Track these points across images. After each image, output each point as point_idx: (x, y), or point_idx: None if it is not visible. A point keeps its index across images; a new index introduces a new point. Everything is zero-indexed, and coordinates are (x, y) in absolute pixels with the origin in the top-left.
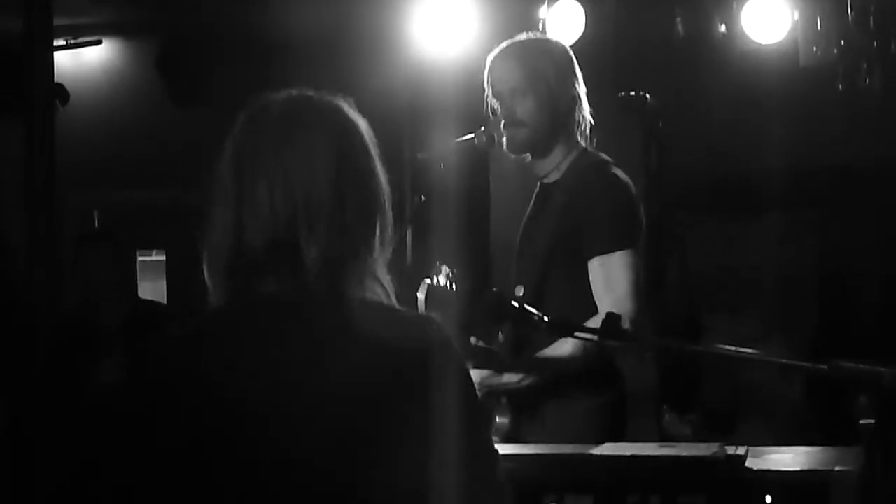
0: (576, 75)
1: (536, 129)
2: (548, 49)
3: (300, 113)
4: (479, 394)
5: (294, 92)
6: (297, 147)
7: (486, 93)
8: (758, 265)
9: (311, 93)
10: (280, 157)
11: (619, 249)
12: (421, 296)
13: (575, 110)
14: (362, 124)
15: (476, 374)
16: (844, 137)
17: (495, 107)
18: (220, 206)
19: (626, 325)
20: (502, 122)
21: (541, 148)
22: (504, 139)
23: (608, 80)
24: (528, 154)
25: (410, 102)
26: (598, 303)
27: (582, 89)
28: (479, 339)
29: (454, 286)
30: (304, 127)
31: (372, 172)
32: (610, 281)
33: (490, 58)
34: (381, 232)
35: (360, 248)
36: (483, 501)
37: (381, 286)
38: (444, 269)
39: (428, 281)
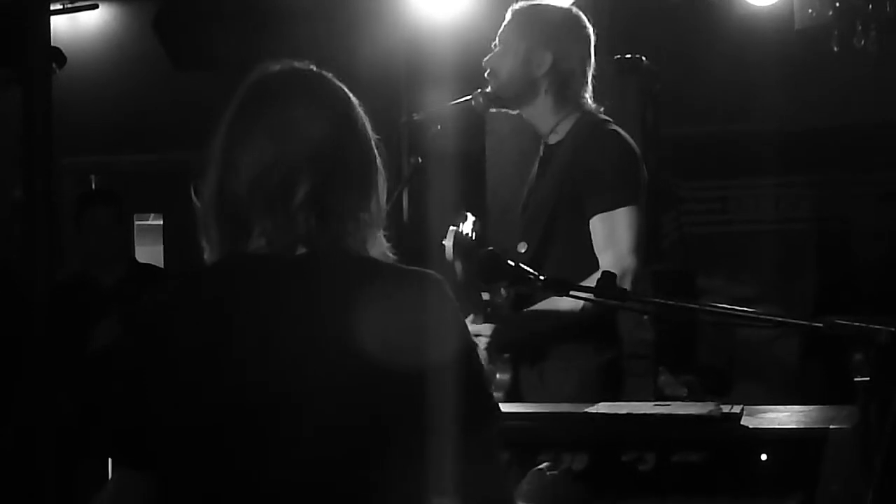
0: (571, 48)
1: (503, 84)
2: (546, 16)
3: (299, 79)
4: (484, 347)
5: (293, 62)
6: (294, 107)
7: None
8: (754, 226)
9: (306, 64)
10: (284, 111)
11: (620, 206)
12: (448, 243)
13: (563, 80)
14: (352, 95)
15: (484, 328)
16: (840, 99)
17: None
18: (217, 154)
19: (627, 281)
20: (486, 69)
21: (511, 103)
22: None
23: (605, 42)
24: (503, 108)
25: (407, 64)
26: (599, 259)
27: (579, 63)
28: (487, 294)
29: (475, 235)
30: (308, 89)
31: (367, 137)
32: (611, 237)
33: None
34: (377, 193)
35: (356, 205)
36: (480, 464)
37: (376, 244)
38: (469, 217)
39: (453, 228)
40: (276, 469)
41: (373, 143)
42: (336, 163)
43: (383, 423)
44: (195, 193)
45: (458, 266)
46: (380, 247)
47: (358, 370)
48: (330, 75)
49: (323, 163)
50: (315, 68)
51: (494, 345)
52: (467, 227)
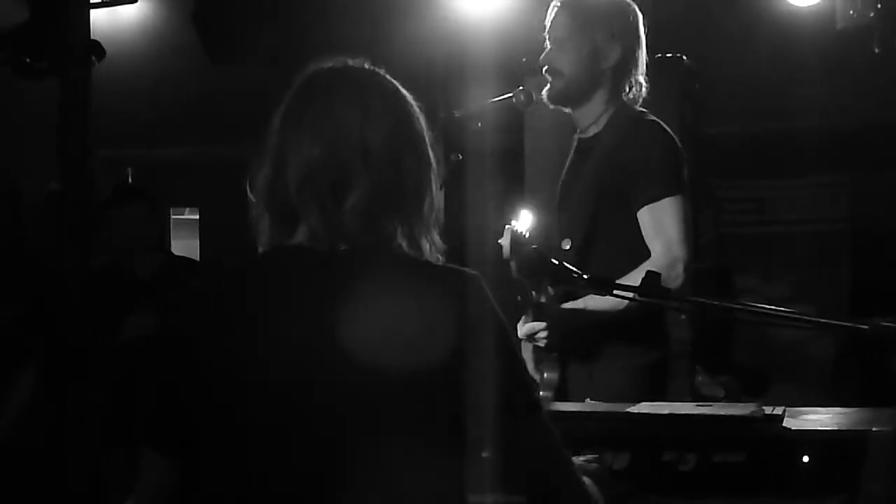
0: (634, 38)
1: (572, 81)
2: (608, 8)
3: (357, 75)
4: (542, 345)
5: (347, 59)
6: (347, 106)
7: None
8: (792, 226)
9: (360, 62)
10: (333, 107)
11: (668, 196)
12: (504, 241)
13: (623, 73)
14: (407, 94)
15: (538, 326)
16: (880, 99)
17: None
18: (270, 148)
19: (679, 269)
20: (544, 67)
21: (575, 100)
22: (545, 88)
23: (645, 40)
24: (564, 107)
25: (446, 60)
26: (650, 248)
27: (639, 56)
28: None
29: (530, 234)
30: (360, 86)
31: (423, 138)
32: (660, 228)
33: (553, 2)
34: (431, 194)
35: (409, 207)
36: (525, 452)
37: (428, 244)
38: (526, 215)
39: (509, 227)
40: (293, 457)
41: (428, 143)
42: (390, 165)
43: (415, 418)
44: (249, 186)
45: (514, 264)
46: (432, 247)
47: (387, 364)
48: (383, 72)
49: (377, 165)
50: (368, 65)
51: (546, 343)
52: (524, 225)
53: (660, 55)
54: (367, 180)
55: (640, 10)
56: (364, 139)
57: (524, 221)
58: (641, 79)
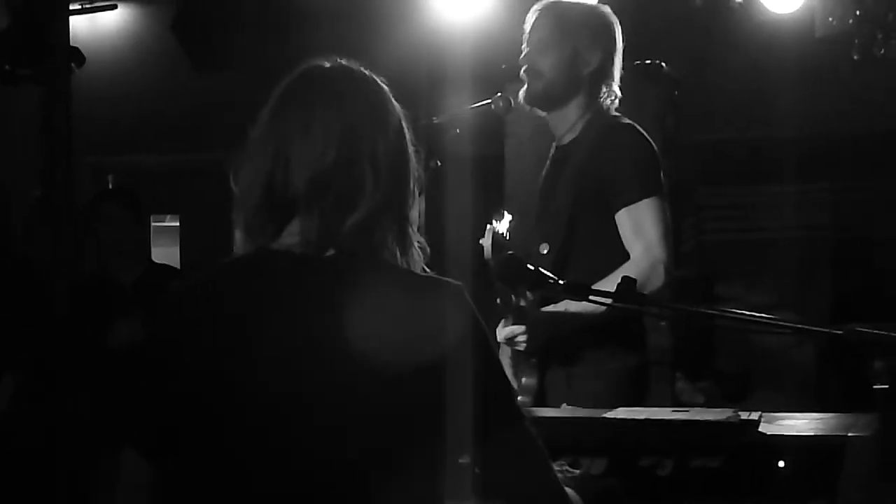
0: (613, 46)
1: (552, 84)
2: (589, 14)
3: (355, 79)
4: (522, 349)
5: (343, 60)
6: (354, 109)
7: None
8: (773, 233)
9: (355, 64)
10: (342, 109)
11: (645, 197)
12: (486, 242)
13: (601, 79)
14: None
15: (517, 329)
16: (860, 107)
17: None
18: (266, 140)
19: (660, 271)
20: (524, 67)
21: (552, 103)
22: (522, 89)
23: (626, 48)
24: (541, 109)
25: (426, 67)
26: (629, 251)
27: (616, 64)
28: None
29: (509, 237)
30: (365, 90)
31: (411, 147)
32: (639, 229)
33: (535, 6)
34: (416, 206)
35: (402, 217)
36: (508, 461)
37: (415, 253)
38: (507, 216)
39: (490, 227)
40: (279, 467)
41: (413, 152)
42: (395, 177)
43: (396, 426)
44: (234, 179)
45: (492, 268)
46: (416, 259)
47: (370, 373)
48: (381, 79)
49: (384, 176)
50: (366, 70)
51: (525, 347)
52: (503, 226)
53: (639, 62)
54: (376, 194)
55: (621, 16)
56: (374, 149)
57: (505, 223)
58: (616, 88)
